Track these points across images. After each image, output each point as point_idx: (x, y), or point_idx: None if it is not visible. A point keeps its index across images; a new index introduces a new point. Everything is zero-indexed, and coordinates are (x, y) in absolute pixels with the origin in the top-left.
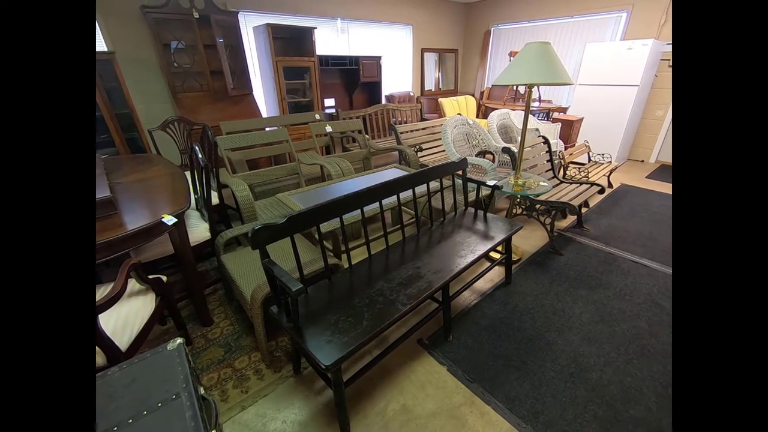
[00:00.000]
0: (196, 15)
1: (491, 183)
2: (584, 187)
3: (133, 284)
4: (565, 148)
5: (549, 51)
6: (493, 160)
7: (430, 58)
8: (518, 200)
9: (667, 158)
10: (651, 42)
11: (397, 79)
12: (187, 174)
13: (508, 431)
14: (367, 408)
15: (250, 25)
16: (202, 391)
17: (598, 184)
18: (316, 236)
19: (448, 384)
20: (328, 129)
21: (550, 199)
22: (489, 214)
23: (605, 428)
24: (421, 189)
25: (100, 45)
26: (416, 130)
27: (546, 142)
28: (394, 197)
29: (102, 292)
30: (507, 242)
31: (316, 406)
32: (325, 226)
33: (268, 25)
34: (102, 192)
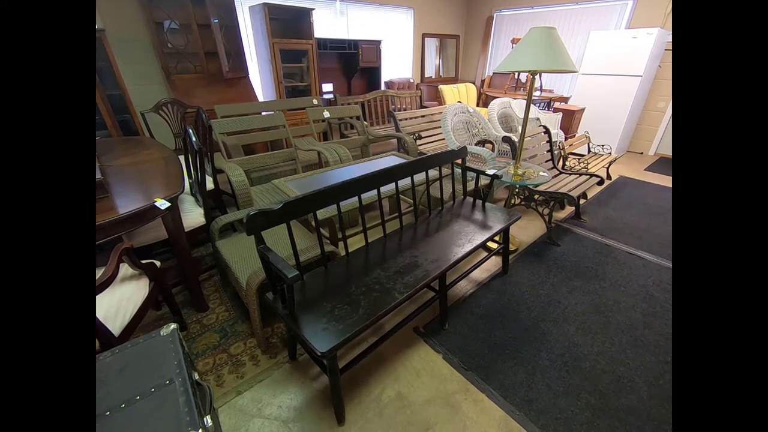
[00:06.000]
0: None
1: (491, 172)
2: (583, 178)
3: (125, 269)
4: (566, 139)
5: (554, 37)
6: (493, 150)
7: (431, 44)
8: (517, 190)
9: (667, 151)
10: (656, 31)
11: (396, 64)
12: (181, 158)
13: (502, 418)
14: (362, 394)
15: (245, 5)
16: (196, 376)
17: (597, 176)
18: (313, 223)
19: (443, 372)
20: (326, 115)
21: (548, 190)
22: (487, 204)
23: (597, 416)
24: (419, 177)
25: None
26: (415, 117)
27: (547, 132)
28: (392, 185)
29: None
30: (505, 232)
31: (312, 392)
32: (322, 213)
33: (264, 4)
34: None
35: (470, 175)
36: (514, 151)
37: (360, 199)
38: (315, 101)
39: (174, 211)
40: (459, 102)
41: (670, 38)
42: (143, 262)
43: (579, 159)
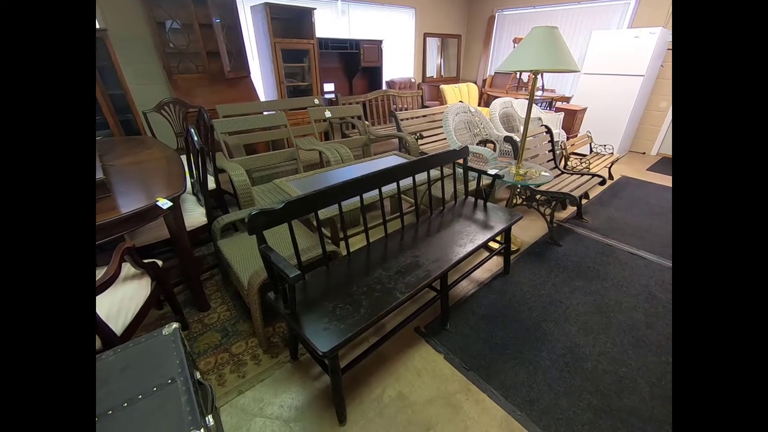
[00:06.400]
0: None
1: (492, 172)
2: (585, 178)
3: (127, 268)
4: (567, 139)
5: (556, 36)
6: (495, 149)
7: (433, 44)
8: (519, 190)
9: (669, 151)
10: (659, 30)
11: (398, 64)
12: (183, 158)
13: (503, 418)
14: (363, 394)
15: (247, 4)
16: (198, 375)
17: (599, 176)
18: (314, 223)
19: (444, 372)
20: (328, 114)
21: (550, 190)
22: (489, 204)
23: (599, 417)
24: (421, 177)
25: None
26: (417, 117)
27: (548, 131)
28: (394, 185)
29: (96, 275)
30: (506, 232)
31: (313, 391)
32: (324, 213)
33: (266, 4)
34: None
35: (472, 174)
36: (516, 150)
37: (361, 199)
38: (316, 101)
39: (176, 211)
40: (460, 102)
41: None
42: (145, 261)
43: (581, 159)
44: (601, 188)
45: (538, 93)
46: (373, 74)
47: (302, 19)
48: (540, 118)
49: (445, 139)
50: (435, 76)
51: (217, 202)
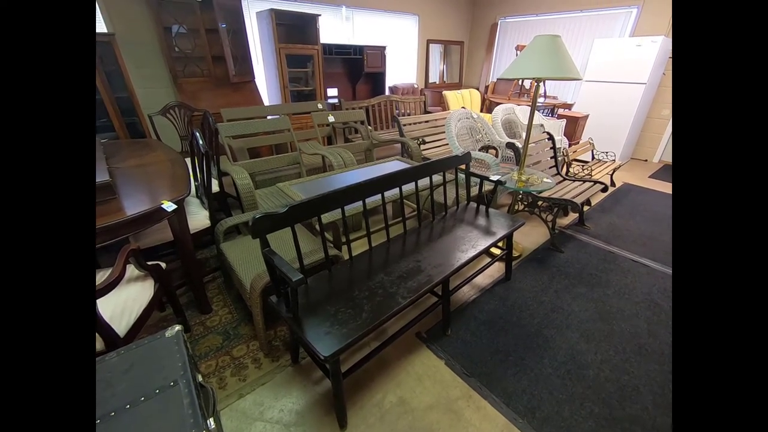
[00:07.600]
0: None
1: (494, 178)
2: (587, 184)
3: (131, 270)
4: (570, 145)
5: (559, 44)
6: (497, 155)
7: (436, 50)
8: (521, 196)
9: (671, 158)
10: (661, 39)
11: (401, 70)
12: (188, 161)
13: (505, 426)
14: (364, 399)
15: (253, 10)
16: (200, 378)
17: (601, 182)
18: (317, 227)
19: (445, 378)
20: (331, 119)
21: (552, 196)
22: (491, 210)
23: (601, 425)
24: (423, 182)
25: (100, 26)
26: (420, 122)
27: (550, 138)
28: (396, 190)
29: (100, 277)
30: (508, 238)
31: (314, 395)
32: (326, 217)
33: (271, 10)
34: (101, 176)
35: (474, 180)
36: (518, 157)
37: (364, 204)
38: (320, 105)
39: (180, 213)
40: (463, 108)
41: None
42: (149, 263)
43: (583, 165)
44: (603, 195)
45: (540, 100)
46: (377, 80)
47: (307, 24)
48: (542, 125)
49: (447, 144)
50: (438, 82)
51: (220, 204)
